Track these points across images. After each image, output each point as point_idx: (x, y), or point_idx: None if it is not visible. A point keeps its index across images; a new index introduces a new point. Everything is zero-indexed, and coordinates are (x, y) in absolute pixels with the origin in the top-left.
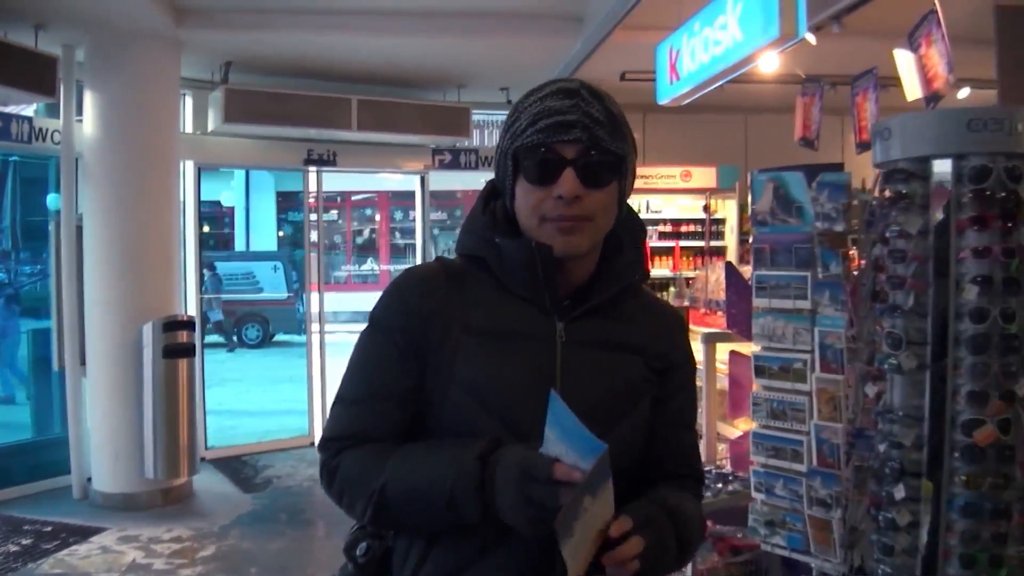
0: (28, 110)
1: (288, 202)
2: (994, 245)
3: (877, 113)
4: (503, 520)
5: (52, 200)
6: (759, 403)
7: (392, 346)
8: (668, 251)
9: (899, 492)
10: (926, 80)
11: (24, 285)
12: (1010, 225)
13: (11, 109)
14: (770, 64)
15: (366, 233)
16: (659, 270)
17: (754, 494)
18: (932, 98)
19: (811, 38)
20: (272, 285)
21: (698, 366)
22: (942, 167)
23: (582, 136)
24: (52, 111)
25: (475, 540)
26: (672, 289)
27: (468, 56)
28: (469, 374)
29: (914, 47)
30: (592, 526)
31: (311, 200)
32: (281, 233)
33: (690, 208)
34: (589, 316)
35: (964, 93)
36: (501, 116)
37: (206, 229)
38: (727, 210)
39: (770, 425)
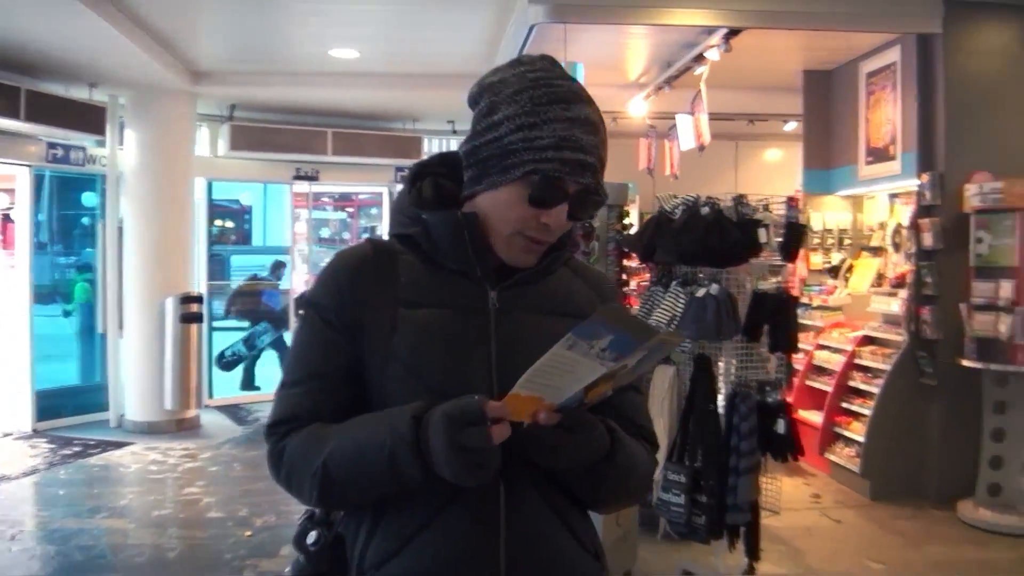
0: (82, 141)
1: (303, 201)
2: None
3: (679, 154)
4: (444, 477)
5: (87, 198)
6: None
7: (327, 326)
8: None
9: None
10: (697, 136)
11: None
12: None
13: (71, 141)
14: (638, 110)
15: (378, 230)
16: None
17: None
18: (700, 148)
19: (642, 96)
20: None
21: None
22: None
23: (590, 182)
24: (100, 142)
25: (419, 508)
26: None
27: (420, 101)
28: (405, 350)
29: (693, 113)
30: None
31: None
32: (296, 230)
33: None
34: (522, 284)
35: (791, 126)
36: (448, 139)
37: (230, 224)
38: (634, 216)
39: None
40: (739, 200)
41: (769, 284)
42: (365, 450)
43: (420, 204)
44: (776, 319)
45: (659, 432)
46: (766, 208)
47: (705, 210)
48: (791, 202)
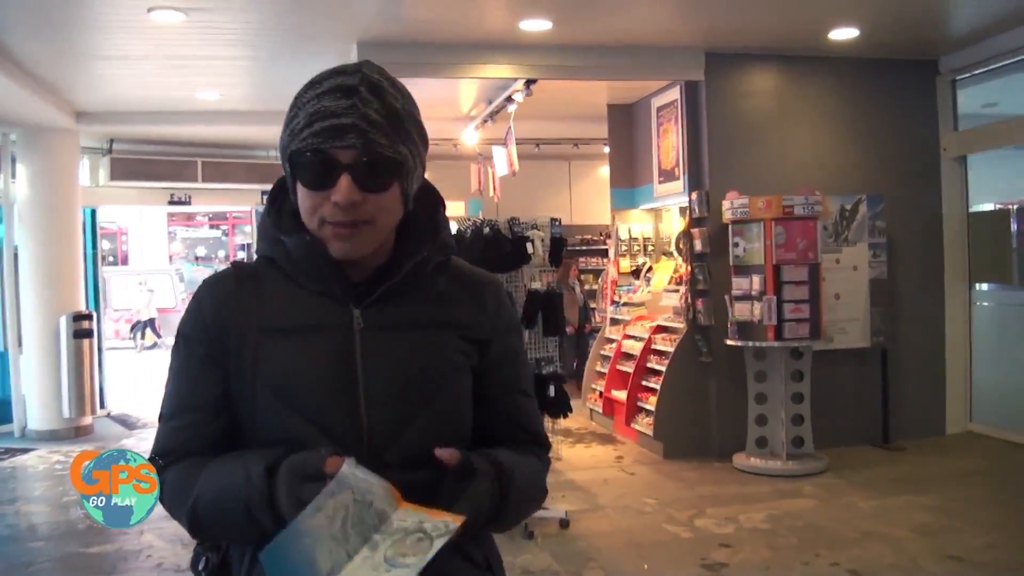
0: None
1: (175, 219)
2: None
3: (495, 176)
4: None
5: None
6: None
7: (194, 357)
8: None
9: None
10: (509, 164)
11: None
12: None
13: None
14: (471, 138)
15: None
16: None
17: None
18: (512, 174)
19: (473, 127)
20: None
21: None
22: None
23: (357, 142)
24: None
25: None
26: None
27: (278, 133)
28: (271, 375)
29: (505, 145)
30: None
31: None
32: (174, 250)
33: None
34: (389, 299)
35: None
36: None
37: (107, 245)
38: None
39: None
40: (512, 221)
41: (539, 284)
42: (225, 499)
43: (279, 225)
44: (547, 311)
45: None
46: (535, 227)
47: (486, 230)
48: (555, 221)
